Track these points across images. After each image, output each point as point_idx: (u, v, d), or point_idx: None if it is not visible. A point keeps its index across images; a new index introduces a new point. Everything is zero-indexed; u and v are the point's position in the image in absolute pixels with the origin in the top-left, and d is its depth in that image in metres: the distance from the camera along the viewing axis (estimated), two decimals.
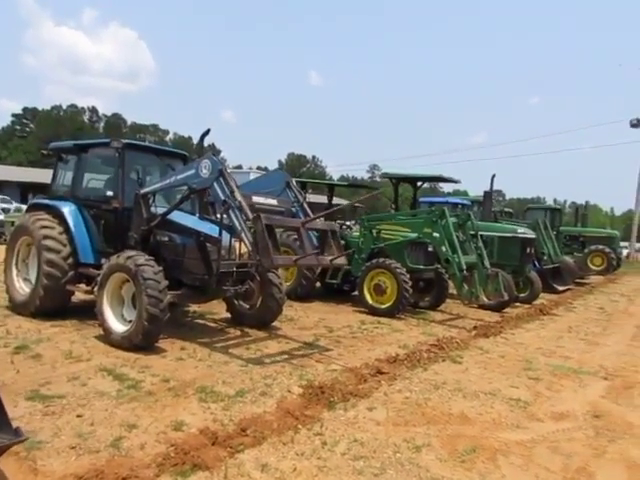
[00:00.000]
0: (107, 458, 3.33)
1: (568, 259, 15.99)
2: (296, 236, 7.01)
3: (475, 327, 8.52)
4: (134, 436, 3.70)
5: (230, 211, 5.80)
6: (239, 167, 65.00)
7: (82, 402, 4.26)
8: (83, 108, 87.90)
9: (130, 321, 5.95)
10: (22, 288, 7.44)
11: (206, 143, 7.44)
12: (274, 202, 6.71)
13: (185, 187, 6.41)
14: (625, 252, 34.04)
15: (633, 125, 35.85)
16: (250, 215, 5.59)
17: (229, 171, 6.13)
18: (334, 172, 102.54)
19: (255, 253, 5.57)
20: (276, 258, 5.51)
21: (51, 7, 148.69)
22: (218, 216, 6.46)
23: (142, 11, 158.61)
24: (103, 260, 6.59)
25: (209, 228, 6.86)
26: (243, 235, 5.72)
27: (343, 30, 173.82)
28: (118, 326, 6.04)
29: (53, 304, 7.02)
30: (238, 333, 7.19)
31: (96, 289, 6.26)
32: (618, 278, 21.05)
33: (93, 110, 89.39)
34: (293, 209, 8.40)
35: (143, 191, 6.69)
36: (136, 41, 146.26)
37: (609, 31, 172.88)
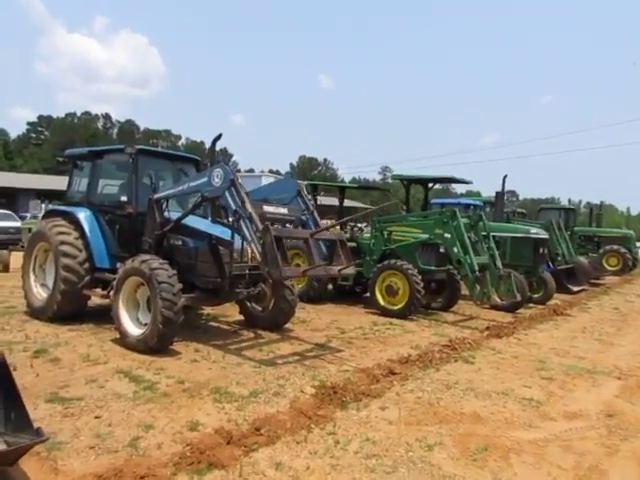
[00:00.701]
0: (125, 458, 3.41)
1: (582, 259, 15.87)
2: None
3: (488, 328, 8.50)
4: (151, 436, 3.78)
5: (241, 221, 5.88)
6: (251, 171, 65.29)
7: (100, 404, 4.35)
8: (97, 115, 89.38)
9: (145, 324, 6.06)
10: (40, 293, 7.59)
11: (218, 147, 7.53)
12: (284, 211, 6.73)
13: (198, 194, 6.51)
14: None
15: None
16: (260, 226, 5.64)
17: (241, 175, 6.21)
18: (346, 174, 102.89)
19: (264, 264, 5.61)
20: (284, 270, 5.53)
21: (64, 15, 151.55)
22: (230, 219, 6.54)
23: (152, 17, 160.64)
24: (118, 264, 6.70)
25: (221, 231, 6.97)
26: (253, 245, 5.80)
27: (351, 31, 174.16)
28: (134, 329, 6.15)
29: (70, 308, 7.16)
30: (251, 335, 7.27)
31: (112, 293, 6.38)
32: (634, 278, 20.74)
33: (107, 117, 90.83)
34: (303, 217, 8.43)
35: (157, 196, 6.81)
36: (147, 47, 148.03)
37: (623, 29, 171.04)
